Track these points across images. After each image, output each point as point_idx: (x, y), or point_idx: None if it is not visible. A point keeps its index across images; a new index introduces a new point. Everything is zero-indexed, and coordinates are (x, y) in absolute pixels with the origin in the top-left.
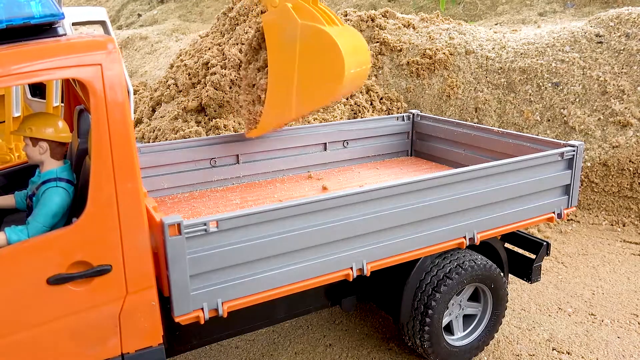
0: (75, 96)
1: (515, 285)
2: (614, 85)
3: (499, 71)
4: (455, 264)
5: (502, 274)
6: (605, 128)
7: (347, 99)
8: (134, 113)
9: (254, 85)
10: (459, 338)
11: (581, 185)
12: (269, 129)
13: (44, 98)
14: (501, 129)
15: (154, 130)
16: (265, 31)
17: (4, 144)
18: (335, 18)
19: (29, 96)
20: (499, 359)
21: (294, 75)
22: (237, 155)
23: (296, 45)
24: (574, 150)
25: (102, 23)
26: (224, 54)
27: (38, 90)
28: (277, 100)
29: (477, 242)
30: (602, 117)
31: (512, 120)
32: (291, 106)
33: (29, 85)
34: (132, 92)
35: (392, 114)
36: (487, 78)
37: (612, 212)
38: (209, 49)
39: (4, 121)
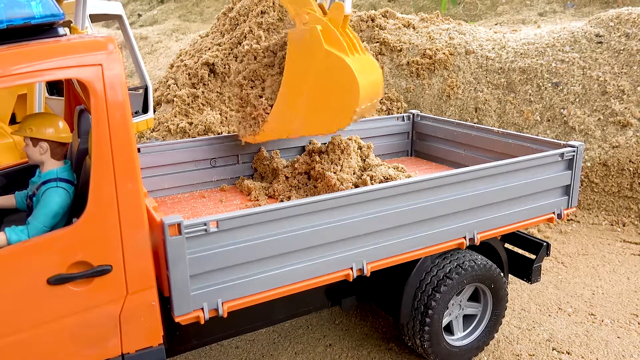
0: (75, 96)
1: (515, 285)
2: (614, 85)
3: (499, 71)
4: (456, 264)
5: (502, 274)
6: (605, 128)
7: None
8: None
9: (262, 86)
10: (459, 338)
11: (581, 185)
12: (265, 139)
13: (62, 96)
14: (501, 129)
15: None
16: (289, 46)
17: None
18: (358, 45)
19: (47, 94)
20: (499, 359)
21: (306, 97)
22: (237, 155)
23: (316, 69)
24: (574, 151)
25: (119, 17)
26: (224, 54)
27: (55, 88)
28: (283, 115)
29: (477, 242)
30: (602, 117)
31: (512, 120)
32: (293, 125)
33: (47, 83)
34: (150, 87)
35: (392, 114)
36: (487, 78)
37: (612, 212)
38: (209, 49)
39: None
